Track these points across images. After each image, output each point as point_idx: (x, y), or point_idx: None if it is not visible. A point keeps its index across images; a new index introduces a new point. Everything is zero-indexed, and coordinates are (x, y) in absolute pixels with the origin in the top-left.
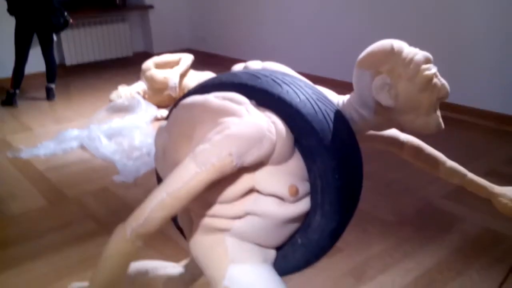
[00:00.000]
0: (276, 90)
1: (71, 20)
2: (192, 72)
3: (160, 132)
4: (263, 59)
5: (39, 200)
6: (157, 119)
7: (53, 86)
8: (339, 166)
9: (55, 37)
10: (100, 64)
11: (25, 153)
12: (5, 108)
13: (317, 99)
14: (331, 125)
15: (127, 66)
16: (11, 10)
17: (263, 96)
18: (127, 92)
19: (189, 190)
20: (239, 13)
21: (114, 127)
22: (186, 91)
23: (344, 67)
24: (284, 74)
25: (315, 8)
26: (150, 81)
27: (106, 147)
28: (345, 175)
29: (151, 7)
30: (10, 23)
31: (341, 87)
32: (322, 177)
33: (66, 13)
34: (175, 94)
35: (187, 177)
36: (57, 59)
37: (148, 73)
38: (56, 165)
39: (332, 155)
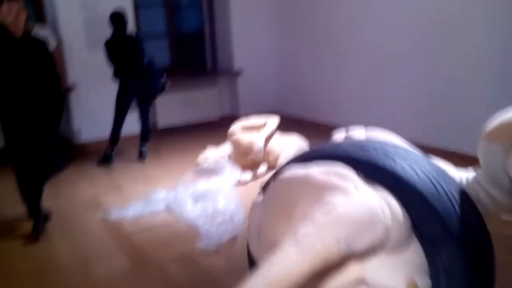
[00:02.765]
0: (389, 165)
1: (169, 84)
2: (277, 136)
3: (254, 208)
4: (348, 123)
5: (123, 263)
6: (240, 183)
7: (146, 147)
8: (469, 258)
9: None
10: (189, 126)
11: (114, 214)
12: (100, 169)
13: (438, 177)
14: (457, 208)
15: (214, 128)
16: (117, 73)
17: (373, 171)
18: (214, 155)
19: (289, 280)
20: (325, 77)
21: (200, 190)
22: (270, 154)
23: (458, 135)
24: (396, 147)
25: (418, 70)
26: (236, 144)
27: (190, 211)
28: (475, 268)
29: (240, 72)
30: (108, 86)
31: (454, 158)
32: (448, 271)
33: (165, 77)
34: (260, 158)
35: (287, 265)
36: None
37: (234, 137)
38: (142, 227)
39: (460, 245)
